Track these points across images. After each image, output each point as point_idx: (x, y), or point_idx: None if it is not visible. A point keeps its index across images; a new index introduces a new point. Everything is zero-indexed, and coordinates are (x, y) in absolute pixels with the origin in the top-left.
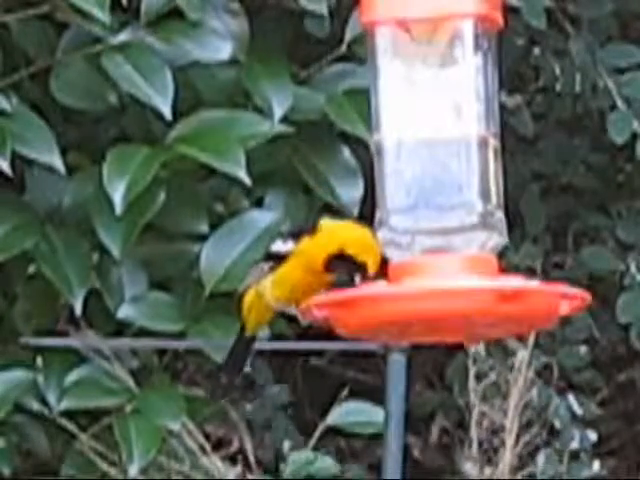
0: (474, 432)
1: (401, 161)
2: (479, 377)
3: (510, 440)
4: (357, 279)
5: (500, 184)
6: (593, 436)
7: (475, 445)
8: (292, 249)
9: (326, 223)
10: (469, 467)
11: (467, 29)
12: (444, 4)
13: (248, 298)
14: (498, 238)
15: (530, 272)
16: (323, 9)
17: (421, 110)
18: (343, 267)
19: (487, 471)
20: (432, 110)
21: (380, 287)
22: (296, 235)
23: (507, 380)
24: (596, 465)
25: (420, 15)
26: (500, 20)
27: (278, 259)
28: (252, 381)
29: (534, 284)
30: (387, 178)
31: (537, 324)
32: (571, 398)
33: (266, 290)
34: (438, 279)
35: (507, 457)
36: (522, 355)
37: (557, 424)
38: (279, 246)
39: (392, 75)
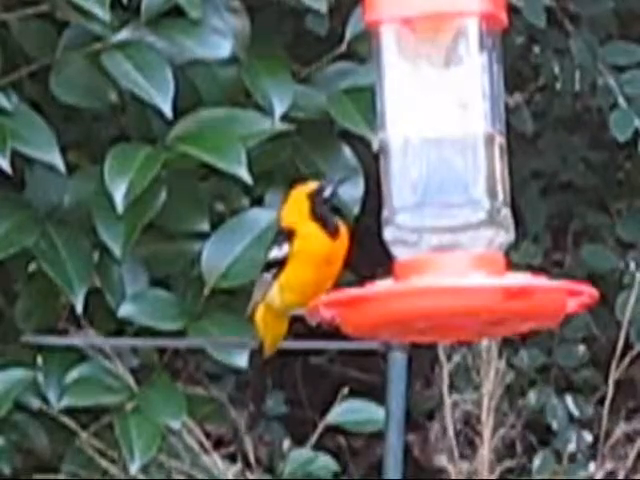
0: (449, 425)
1: (407, 159)
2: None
3: (487, 432)
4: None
5: (506, 181)
6: (589, 437)
7: (453, 439)
8: (288, 252)
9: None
10: (444, 461)
11: (472, 27)
12: (449, 2)
13: (259, 315)
14: (505, 235)
15: (531, 270)
16: (323, 7)
17: (427, 108)
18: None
19: (464, 466)
20: (438, 108)
21: (388, 285)
22: (288, 237)
23: (478, 371)
24: (592, 466)
25: (424, 13)
26: (505, 19)
27: (278, 265)
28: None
29: (541, 281)
30: (393, 176)
31: (544, 321)
32: (569, 399)
33: (275, 299)
34: (445, 277)
35: (485, 450)
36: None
37: (554, 425)
38: (276, 252)
39: (397, 73)
